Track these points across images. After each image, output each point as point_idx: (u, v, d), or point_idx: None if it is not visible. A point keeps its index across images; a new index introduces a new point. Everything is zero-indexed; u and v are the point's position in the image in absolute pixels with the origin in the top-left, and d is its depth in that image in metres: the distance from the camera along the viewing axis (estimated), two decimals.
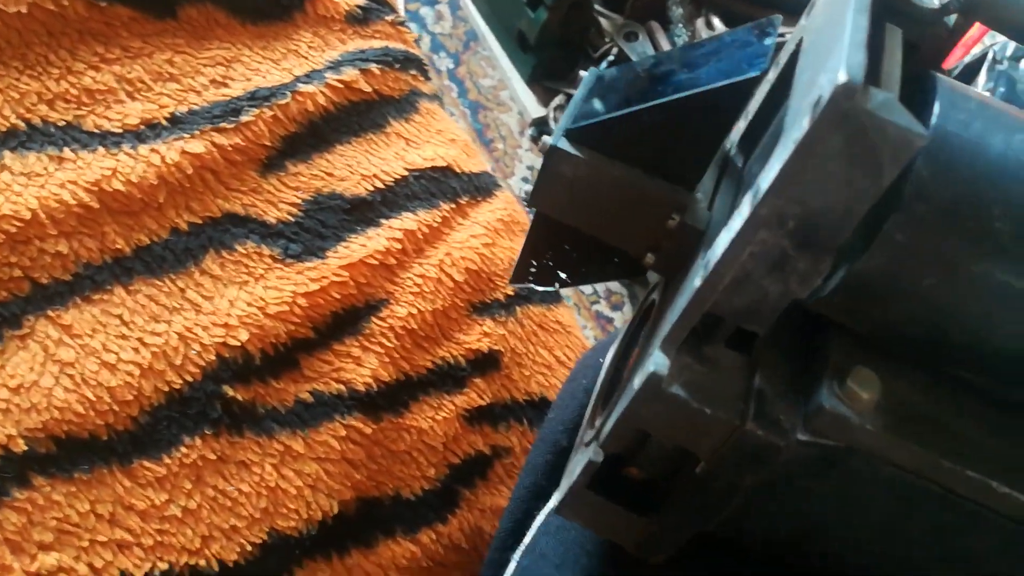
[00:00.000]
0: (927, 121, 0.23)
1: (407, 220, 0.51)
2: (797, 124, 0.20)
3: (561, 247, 0.33)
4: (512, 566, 0.39)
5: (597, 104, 0.29)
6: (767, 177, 0.21)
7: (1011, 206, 0.22)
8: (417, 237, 0.50)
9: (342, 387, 0.46)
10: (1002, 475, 0.23)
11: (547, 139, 0.29)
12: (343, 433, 0.45)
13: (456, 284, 0.50)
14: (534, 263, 0.34)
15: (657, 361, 0.24)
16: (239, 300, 0.45)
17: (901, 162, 0.19)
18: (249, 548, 0.41)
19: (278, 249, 0.47)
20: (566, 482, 0.31)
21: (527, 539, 0.39)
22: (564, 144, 0.29)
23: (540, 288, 0.35)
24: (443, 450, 0.47)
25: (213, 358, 0.43)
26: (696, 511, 0.28)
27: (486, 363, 0.50)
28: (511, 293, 0.53)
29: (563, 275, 0.35)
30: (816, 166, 0.20)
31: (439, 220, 0.52)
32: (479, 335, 0.51)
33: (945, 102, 0.23)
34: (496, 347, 0.51)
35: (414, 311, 0.48)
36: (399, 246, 0.49)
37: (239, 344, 0.44)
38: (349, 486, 0.44)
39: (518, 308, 0.53)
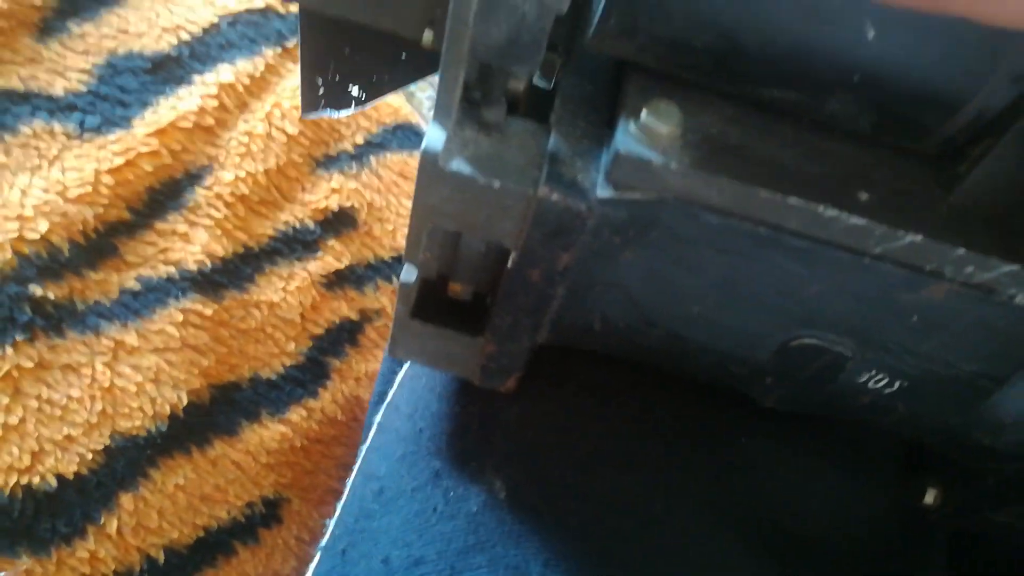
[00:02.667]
0: None
1: (224, 73, 0.44)
2: None
3: (341, 52, 0.28)
4: (373, 428, 0.36)
5: None
6: None
7: None
8: (238, 91, 0.44)
9: (171, 268, 0.41)
10: (827, 198, 0.20)
11: None
12: (180, 318, 0.40)
13: (291, 138, 0.45)
14: (320, 81, 0.29)
15: (431, 136, 0.20)
16: (33, 188, 0.39)
17: None
18: (90, 456, 0.37)
19: (72, 124, 0.41)
20: None
21: (388, 397, 0.36)
22: None
23: (339, 115, 0.30)
24: (301, 322, 0.43)
25: (10, 256, 0.38)
26: (521, 313, 0.24)
27: (340, 222, 0.46)
28: (361, 143, 0.48)
29: (357, 89, 0.29)
30: None
31: (263, 68, 0.46)
32: (327, 192, 0.45)
33: None
34: (349, 203, 0.46)
35: (243, 174, 0.43)
36: (215, 103, 0.43)
37: (39, 237, 0.38)
38: (197, 374, 0.40)
39: (372, 158, 0.48)
